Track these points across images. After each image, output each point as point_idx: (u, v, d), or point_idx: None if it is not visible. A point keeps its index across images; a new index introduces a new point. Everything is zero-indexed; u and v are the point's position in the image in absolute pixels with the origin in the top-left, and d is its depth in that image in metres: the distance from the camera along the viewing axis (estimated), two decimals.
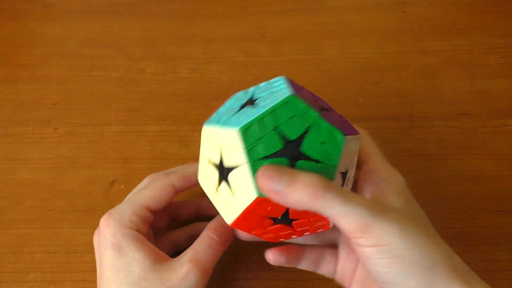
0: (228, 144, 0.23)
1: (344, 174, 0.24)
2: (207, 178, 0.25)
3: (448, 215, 0.35)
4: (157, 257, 0.27)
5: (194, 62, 0.45)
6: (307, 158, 0.22)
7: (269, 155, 0.22)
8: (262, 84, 0.26)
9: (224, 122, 0.24)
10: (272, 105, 0.22)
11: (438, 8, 0.48)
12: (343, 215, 0.20)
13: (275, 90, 0.24)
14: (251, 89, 0.26)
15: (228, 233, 0.29)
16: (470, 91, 0.42)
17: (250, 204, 0.22)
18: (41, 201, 0.37)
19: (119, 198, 0.37)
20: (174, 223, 0.34)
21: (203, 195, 0.32)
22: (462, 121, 0.40)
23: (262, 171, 0.21)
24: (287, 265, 0.28)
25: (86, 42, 0.47)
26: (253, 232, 0.25)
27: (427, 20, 0.47)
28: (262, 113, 0.22)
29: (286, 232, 0.25)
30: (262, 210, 0.23)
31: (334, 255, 0.29)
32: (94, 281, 0.33)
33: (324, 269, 0.29)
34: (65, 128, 0.41)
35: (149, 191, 0.29)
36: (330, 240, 0.30)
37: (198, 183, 0.28)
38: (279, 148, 0.22)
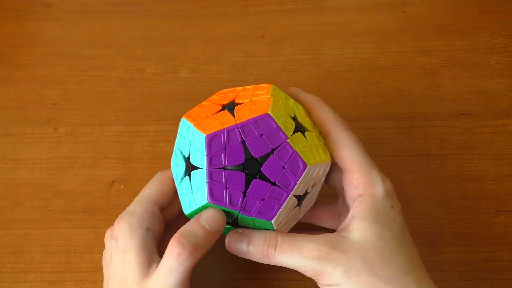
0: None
1: (301, 197, 0.26)
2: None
3: (448, 215, 0.35)
4: (150, 265, 0.25)
5: (194, 62, 0.45)
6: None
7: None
8: (189, 138, 0.26)
9: (176, 177, 0.27)
10: (195, 207, 0.25)
11: (438, 8, 0.48)
12: (297, 267, 0.25)
13: (198, 162, 0.25)
14: (184, 138, 0.27)
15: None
16: (470, 91, 0.42)
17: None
18: (41, 201, 0.37)
19: (119, 198, 0.37)
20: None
21: None
22: (462, 121, 0.40)
23: (229, 235, 0.26)
24: None
25: (86, 42, 0.47)
26: None
27: (427, 20, 0.47)
28: (192, 211, 0.26)
29: None
30: None
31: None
32: (94, 281, 0.33)
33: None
34: (65, 128, 0.41)
35: (151, 188, 0.29)
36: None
37: None
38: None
